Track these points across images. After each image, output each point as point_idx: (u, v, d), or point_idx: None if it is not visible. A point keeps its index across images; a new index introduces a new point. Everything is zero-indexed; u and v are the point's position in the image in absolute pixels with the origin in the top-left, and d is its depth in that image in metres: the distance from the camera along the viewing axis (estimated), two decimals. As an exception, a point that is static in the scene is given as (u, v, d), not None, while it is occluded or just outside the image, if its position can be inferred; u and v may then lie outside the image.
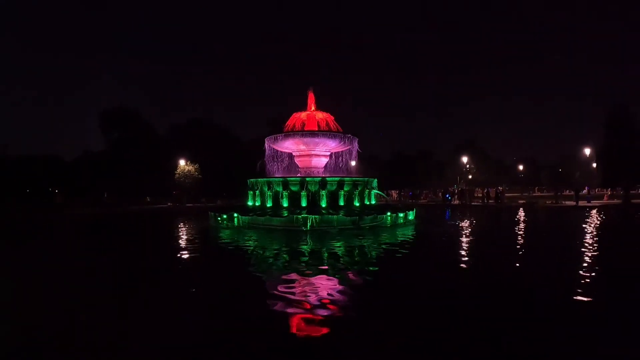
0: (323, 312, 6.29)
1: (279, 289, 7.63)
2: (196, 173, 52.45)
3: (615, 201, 45.35)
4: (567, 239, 17.04)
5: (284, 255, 12.18)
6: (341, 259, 11.41)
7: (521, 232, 18.52)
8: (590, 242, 14.38)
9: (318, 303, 6.76)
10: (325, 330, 5.62)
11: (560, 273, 9.44)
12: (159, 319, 6.21)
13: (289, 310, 6.38)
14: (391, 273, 9.79)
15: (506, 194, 53.82)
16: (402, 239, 16.10)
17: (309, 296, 7.27)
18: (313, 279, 8.59)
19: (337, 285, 8.19)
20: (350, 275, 9.32)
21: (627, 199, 43.94)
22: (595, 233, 17.48)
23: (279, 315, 6.19)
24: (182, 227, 21.93)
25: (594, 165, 51.96)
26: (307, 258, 11.47)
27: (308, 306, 6.60)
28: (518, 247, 14.13)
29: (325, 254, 12.10)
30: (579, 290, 7.57)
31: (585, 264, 10.27)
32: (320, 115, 25.71)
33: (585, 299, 7.05)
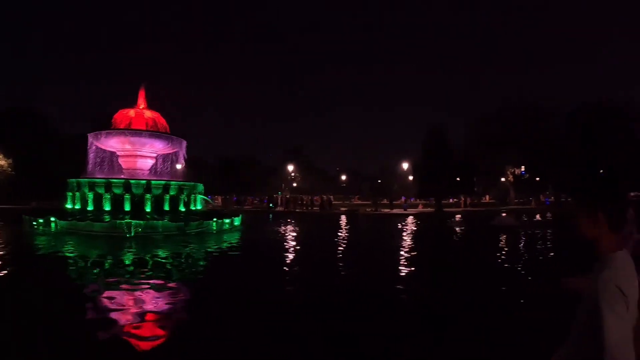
0: (151, 324, 6.79)
1: (101, 304, 7.80)
2: (9, 169, 48.60)
3: (429, 209, 54.10)
4: (383, 239, 21.91)
5: (106, 265, 12.46)
6: (166, 268, 12.21)
7: (343, 236, 22.42)
8: (405, 242, 19.43)
9: (145, 315, 7.18)
10: (157, 342, 6.10)
11: (381, 268, 12.58)
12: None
13: (115, 325, 6.53)
14: (218, 280, 10.83)
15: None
16: (228, 245, 17.77)
17: (136, 308, 7.58)
18: (137, 291, 8.88)
19: (163, 296, 8.68)
20: (176, 284, 10.05)
21: (439, 208, 52.91)
22: (409, 235, 23.24)
23: (103, 332, 6.23)
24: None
25: (411, 177, 61.60)
26: (131, 267, 12.09)
27: (135, 319, 6.89)
28: (340, 250, 17.02)
29: (150, 263, 12.74)
30: (398, 281, 10.61)
31: (402, 260, 14.11)
32: (149, 113, 26.37)
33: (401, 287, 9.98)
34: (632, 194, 76.01)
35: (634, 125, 59.94)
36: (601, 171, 56.86)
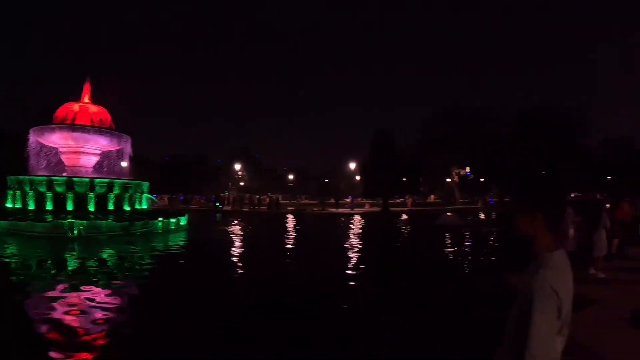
0: (98, 326, 6.75)
1: (44, 309, 7.57)
2: None
3: (376, 209, 55.44)
4: (330, 239, 22.52)
5: (48, 268, 12.30)
6: (111, 269, 12.28)
7: (291, 236, 22.78)
8: (353, 242, 20.01)
9: (92, 318, 7.13)
10: (105, 343, 6.14)
11: (330, 268, 13.03)
12: None
13: (60, 330, 6.46)
14: (165, 281, 10.84)
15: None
16: (173, 245, 17.88)
17: (81, 312, 7.48)
18: (81, 294, 8.73)
19: (109, 298, 8.62)
20: (122, 286, 10.08)
21: (385, 207, 54.38)
22: (356, 235, 23.94)
23: (47, 337, 6.21)
24: None
25: (358, 177, 63.08)
26: (74, 269, 11.95)
27: (81, 323, 6.87)
28: (288, 249, 17.46)
29: (94, 264, 12.66)
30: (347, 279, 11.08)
31: (351, 259, 14.56)
32: (94, 108, 25.82)
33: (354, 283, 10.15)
34: (572, 195, 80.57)
35: (576, 131, 63.26)
36: (543, 172, 59.65)
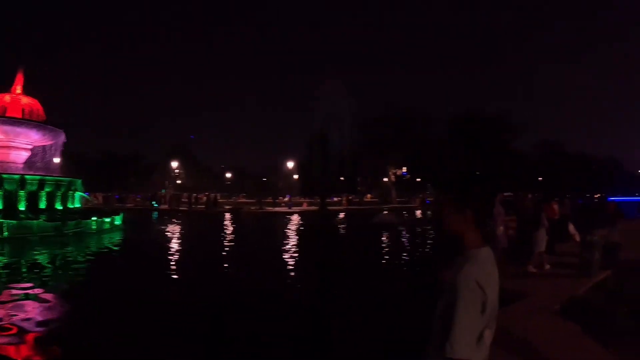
0: (34, 334, 6.52)
1: None
2: None
3: (313, 208, 56.27)
4: (268, 239, 22.61)
5: None
6: (44, 272, 11.93)
7: (226, 237, 22.70)
8: (292, 242, 20.24)
9: (25, 325, 6.80)
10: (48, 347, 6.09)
11: (271, 268, 13.09)
12: None
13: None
14: (100, 282, 10.72)
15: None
16: (108, 246, 17.62)
17: (12, 319, 7.13)
18: (12, 301, 8.37)
19: (44, 303, 8.37)
20: (56, 289, 9.82)
21: (323, 206, 55.34)
22: (295, 234, 24.10)
23: None
24: None
25: (296, 176, 64.00)
26: (3, 273, 11.64)
27: (15, 330, 6.60)
28: (225, 250, 17.40)
29: (25, 268, 12.41)
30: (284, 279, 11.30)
31: (293, 260, 14.66)
32: (26, 100, 25.01)
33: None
34: (505, 194, 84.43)
35: (505, 135, 66.59)
36: (477, 173, 62.41)
